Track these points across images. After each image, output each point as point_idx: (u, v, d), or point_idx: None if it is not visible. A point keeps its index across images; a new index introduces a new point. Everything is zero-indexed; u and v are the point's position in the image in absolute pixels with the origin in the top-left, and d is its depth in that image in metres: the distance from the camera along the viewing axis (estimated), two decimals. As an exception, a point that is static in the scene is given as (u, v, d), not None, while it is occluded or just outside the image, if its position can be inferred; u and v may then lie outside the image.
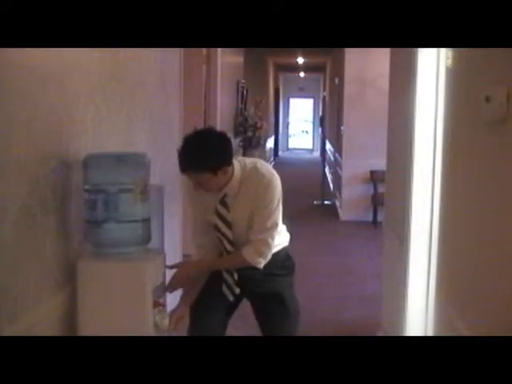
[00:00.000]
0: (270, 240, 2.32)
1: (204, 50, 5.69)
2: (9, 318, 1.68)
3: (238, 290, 2.43)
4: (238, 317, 2.57)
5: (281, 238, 2.45)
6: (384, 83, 4.29)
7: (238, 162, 2.33)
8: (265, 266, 2.34)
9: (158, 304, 2.15)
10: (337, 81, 9.70)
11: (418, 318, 2.90)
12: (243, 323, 2.41)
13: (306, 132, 22.74)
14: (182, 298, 2.45)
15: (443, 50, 2.58)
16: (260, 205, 2.30)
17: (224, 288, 2.44)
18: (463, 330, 2.09)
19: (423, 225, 2.86)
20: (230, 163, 2.26)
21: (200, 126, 5.88)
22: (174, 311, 2.36)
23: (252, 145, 7.48)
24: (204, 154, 2.21)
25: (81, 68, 2.22)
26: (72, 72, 2.14)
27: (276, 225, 2.35)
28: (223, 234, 2.39)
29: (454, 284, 2.39)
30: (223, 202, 2.35)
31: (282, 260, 2.47)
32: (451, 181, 2.45)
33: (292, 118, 22.40)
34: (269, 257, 2.34)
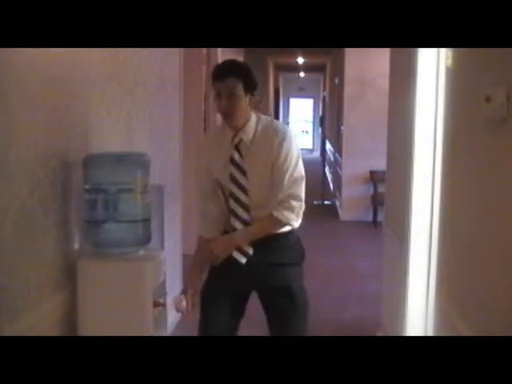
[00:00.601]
0: (299, 192, 2.27)
1: (204, 49, 5.69)
2: (9, 318, 1.68)
3: (251, 251, 2.30)
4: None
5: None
6: (384, 83, 4.29)
7: (254, 114, 2.34)
8: (274, 252, 2.30)
9: (158, 304, 2.15)
10: (337, 81, 9.70)
11: (418, 318, 2.90)
12: (244, 324, 2.40)
13: (306, 132, 22.74)
14: (194, 277, 2.38)
15: (443, 50, 2.58)
16: (279, 160, 2.25)
17: (235, 253, 2.30)
18: (463, 330, 2.09)
19: (423, 225, 2.86)
20: (254, 92, 2.31)
21: (200, 126, 5.90)
22: (184, 291, 2.31)
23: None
24: (243, 66, 2.34)
25: (81, 68, 2.22)
26: (72, 72, 2.14)
27: (302, 178, 2.29)
28: (238, 184, 2.29)
29: (453, 284, 2.39)
30: (238, 149, 2.30)
31: (292, 244, 2.38)
32: (451, 181, 2.45)
33: (292, 118, 22.39)
34: (301, 214, 2.27)
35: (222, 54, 6.04)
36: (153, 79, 3.39)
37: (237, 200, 2.28)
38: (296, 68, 16.41)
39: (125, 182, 2.12)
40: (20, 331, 1.70)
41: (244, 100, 2.25)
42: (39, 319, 1.86)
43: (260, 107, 8.62)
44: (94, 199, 2.10)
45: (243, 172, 2.28)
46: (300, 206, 2.26)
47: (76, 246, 2.19)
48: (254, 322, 2.49)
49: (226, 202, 2.33)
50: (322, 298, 3.07)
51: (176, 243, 4.03)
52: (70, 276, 2.09)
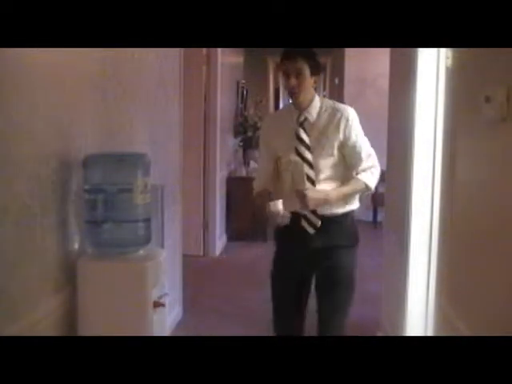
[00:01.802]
0: (376, 163, 2.53)
1: (204, 50, 5.69)
2: (9, 318, 1.68)
3: (319, 223, 2.48)
4: (238, 316, 2.57)
5: (352, 199, 2.55)
6: (384, 83, 4.28)
7: (318, 96, 2.54)
8: (331, 234, 2.48)
9: (158, 304, 2.15)
10: (337, 81, 9.70)
11: (418, 318, 2.90)
12: (245, 324, 2.40)
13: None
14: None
15: (443, 50, 2.58)
16: (350, 140, 2.46)
17: (303, 222, 2.49)
18: (463, 330, 2.09)
19: (423, 225, 2.86)
20: (319, 76, 2.52)
21: (200, 126, 5.89)
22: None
23: (252, 145, 7.47)
24: (310, 51, 2.48)
25: (81, 68, 2.22)
26: (72, 72, 2.14)
27: (372, 151, 2.52)
28: (303, 159, 2.45)
29: (454, 284, 2.39)
30: (303, 126, 2.49)
31: (349, 225, 2.56)
32: (451, 181, 2.44)
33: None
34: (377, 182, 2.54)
35: (221, 54, 6.04)
36: (153, 79, 3.39)
37: (304, 159, 2.44)
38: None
39: (125, 182, 2.12)
40: (20, 331, 1.70)
41: (309, 81, 2.45)
42: (39, 319, 1.86)
43: (260, 107, 8.61)
44: (94, 199, 2.10)
45: (308, 147, 2.46)
46: (378, 174, 2.54)
47: (76, 246, 2.19)
48: (255, 322, 2.49)
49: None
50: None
51: (176, 243, 4.03)
52: (69, 276, 2.09)
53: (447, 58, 2.48)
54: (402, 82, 3.22)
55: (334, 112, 2.48)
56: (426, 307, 2.82)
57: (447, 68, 2.51)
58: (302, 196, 2.38)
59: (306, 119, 2.49)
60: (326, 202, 2.43)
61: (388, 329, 3.52)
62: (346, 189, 2.49)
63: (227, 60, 6.66)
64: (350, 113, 2.49)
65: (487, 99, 1.85)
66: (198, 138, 5.85)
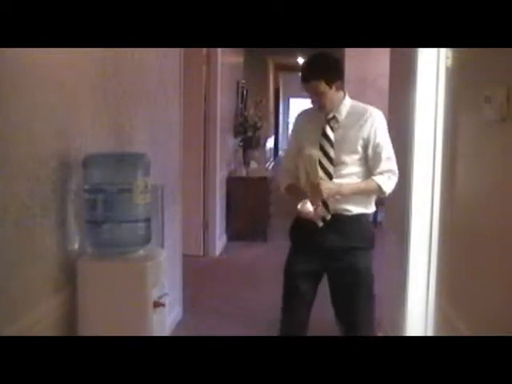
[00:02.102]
0: (395, 168, 2.56)
1: (204, 50, 5.69)
2: (9, 318, 1.68)
3: (328, 216, 2.55)
4: (238, 316, 2.57)
5: (365, 202, 2.60)
6: (384, 83, 4.28)
7: (349, 97, 2.67)
8: (346, 235, 2.55)
9: (158, 304, 2.15)
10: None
11: (418, 318, 2.90)
12: (247, 324, 2.41)
13: (306, 132, 22.69)
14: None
15: (443, 50, 2.58)
16: (375, 140, 2.54)
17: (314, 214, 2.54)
18: (463, 330, 2.09)
19: (423, 225, 2.86)
20: (341, 78, 2.63)
21: (200, 126, 5.89)
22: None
23: (252, 145, 7.46)
24: (323, 63, 2.58)
25: (81, 68, 2.22)
26: (72, 72, 2.14)
27: (394, 156, 2.58)
28: (326, 155, 2.54)
29: (454, 284, 2.39)
30: (329, 124, 2.59)
31: (362, 227, 2.61)
32: (451, 181, 2.44)
33: (292, 118, 22.38)
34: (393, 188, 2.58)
35: (221, 54, 6.04)
36: (153, 79, 3.39)
37: (323, 168, 2.52)
38: (296, 68, 16.40)
39: (125, 182, 2.12)
40: (20, 331, 1.70)
41: (330, 92, 2.55)
42: (39, 319, 1.86)
43: (260, 107, 8.60)
44: (94, 199, 2.10)
45: (331, 143, 2.56)
46: (395, 181, 2.57)
47: (76, 246, 2.19)
48: (255, 322, 2.49)
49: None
50: (322, 298, 3.08)
51: (176, 243, 4.03)
52: (70, 276, 2.09)
53: (447, 58, 2.48)
54: (402, 82, 3.22)
55: (363, 112, 2.59)
56: (426, 307, 2.82)
57: (447, 68, 2.51)
58: (315, 186, 2.45)
59: (334, 117, 2.59)
60: (338, 192, 2.49)
61: (388, 329, 3.52)
62: (359, 185, 2.55)
63: (227, 60, 6.66)
64: (378, 114, 2.60)
65: (487, 99, 1.85)
66: (198, 138, 5.85)
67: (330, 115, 2.60)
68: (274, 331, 2.71)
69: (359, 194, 2.55)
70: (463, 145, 2.28)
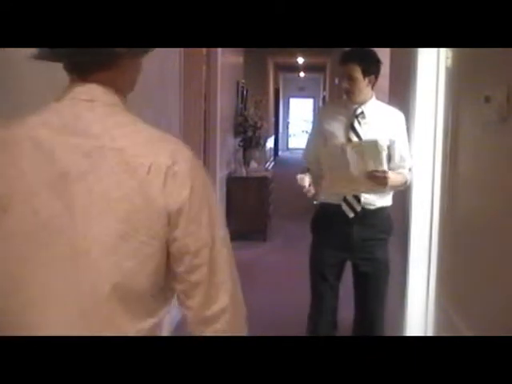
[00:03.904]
0: (407, 169, 2.78)
1: (204, 50, 5.69)
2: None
3: (359, 208, 2.68)
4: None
5: (387, 195, 2.76)
6: (384, 83, 4.28)
7: (377, 99, 2.77)
8: (374, 227, 2.72)
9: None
10: (337, 81, 9.69)
11: (418, 318, 2.90)
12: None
13: (306, 132, 22.73)
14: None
15: (443, 50, 2.58)
16: (402, 138, 2.71)
17: (344, 206, 2.70)
18: (463, 330, 2.09)
19: (423, 225, 2.86)
20: (376, 74, 2.69)
21: (200, 126, 5.89)
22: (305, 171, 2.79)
23: (252, 145, 7.47)
24: (365, 52, 2.67)
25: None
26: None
27: (408, 160, 2.79)
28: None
29: (454, 284, 2.39)
30: (357, 119, 2.68)
31: (384, 218, 2.78)
32: (451, 181, 2.45)
33: (292, 118, 22.39)
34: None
35: (221, 54, 6.04)
36: (153, 79, 3.39)
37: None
38: (296, 68, 16.42)
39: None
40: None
41: (362, 82, 2.64)
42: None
43: (260, 107, 8.61)
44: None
45: (360, 138, 2.66)
46: (408, 178, 2.80)
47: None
48: (255, 322, 2.49)
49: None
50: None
51: (176, 243, 4.02)
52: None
53: (447, 58, 2.49)
54: (402, 82, 3.22)
55: (389, 112, 2.74)
56: (426, 307, 2.82)
57: (447, 68, 2.51)
58: (381, 175, 2.58)
59: (362, 112, 2.68)
60: (403, 184, 2.73)
61: (388, 329, 3.52)
62: (397, 178, 2.71)
63: (227, 60, 6.66)
64: (402, 117, 2.74)
65: (487, 99, 1.85)
66: (198, 138, 5.85)
67: (359, 110, 2.67)
68: (274, 331, 2.71)
69: (393, 187, 2.72)
70: (463, 145, 2.28)
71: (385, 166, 2.61)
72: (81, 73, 1.21)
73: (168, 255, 1.12)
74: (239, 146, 7.50)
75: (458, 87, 2.38)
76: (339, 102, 2.83)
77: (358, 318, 2.92)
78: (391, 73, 3.83)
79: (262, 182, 6.89)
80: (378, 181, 2.60)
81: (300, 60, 13.74)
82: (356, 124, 2.68)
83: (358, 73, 2.60)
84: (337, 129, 2.72)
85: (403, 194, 3.05)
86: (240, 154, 7.50)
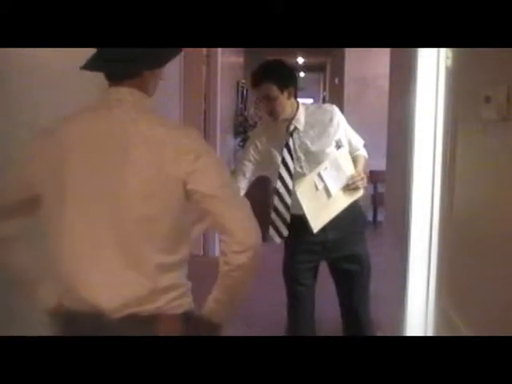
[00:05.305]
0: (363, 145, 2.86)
1: (204, 50, 5.69)
2: (8, 318, 1.68)
3: (285, 232, 2.67)
4: (237, 316, 2.57)
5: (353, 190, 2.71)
6: (384, 83, 4.28)
7: (303, 105, 2.68)
8: (342, 223, 2.63)
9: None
10: (337, 81, 9.70)
11: (418, 317, 2.90)
12: (244, 324, 2.41)
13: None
14: None
15: (443, 50, 2.58)
16: (342, 134, 2.67)
17: (271, 230, 2.69)
18: (463, 330, 2.09)
19: (423, 225, 2.86)
20: (294, 85, 2.57)
21: (200, 126, 5.89)
22: None
23: (252, 145, 7.47)
24: (274, 67, 2.55)
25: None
26: (72, 71, 2.14)
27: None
28: (287, 169, 2.61)
29: (454, 284, 2.39)
30: (292, 136, 2.59)
31: (357, 213, 2.75)
32: (451, 181, 2.44)
33: (292, 118, 22.32)
34: None
35: (221, 54, 6.04)
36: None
37: (284, 184, 2.63)
38: (296, 68, 16.41)
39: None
40: (20, 331, 1.70)
41: (283, 98, 2.53)
42: (39, 319, 1.86)
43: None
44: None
45: (292, 156, 2.59)
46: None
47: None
48: (255, 322, 2.49)
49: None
50: (321, 298, 3.09)
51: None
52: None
53: (447, 58, 2.48)
54: (402, 82, 3.22)
55: (321, 113, 2.66)
56: (426, 307, 2.82)
57: (447, 68, 2.51)
58: (359, 179, 2.62)
59: (295, 128, 2.58)
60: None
61: (388, 329, 3.52)
62: (361, 163, 2.81)
63: (227, 60, 6.66)
64: (334, 108, 2.69)
65: (487, 99, 1.85)
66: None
67: (291, 127, 2.58)
68: (273, 331, 2.71)
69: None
70: (463, 145, 2.28)
71: (353, 169, 2.60)
72: (114, 80, 1.60)
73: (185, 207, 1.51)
74: (239, 146, 7.51)
75: (458, 87, 2.37)
76: (269, 124, 2.69)
77: (346, 317, 2.88)
78: (391, 73, 3.83)
79: (261, 182, 6.88)
80: (357, 186, 2.59)
81: (300, 60, 13.73)
82: (290, 143, 2.58)
83: (274, 91, 2.48)
84: (270, 152, 2.64)
85: (403, 194, 3.04)
86: (240, 154, 7.50)
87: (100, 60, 1.57)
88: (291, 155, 2.56)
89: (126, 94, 1.57)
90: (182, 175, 1.46)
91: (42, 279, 1.62)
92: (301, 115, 2.60)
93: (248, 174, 2.65)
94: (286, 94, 2.51)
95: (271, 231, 2.60)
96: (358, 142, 2.86)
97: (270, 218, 2.65)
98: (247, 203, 1.57)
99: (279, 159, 2.57)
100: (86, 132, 1.52)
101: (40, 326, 1.84)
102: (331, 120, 2.61)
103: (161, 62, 1.70)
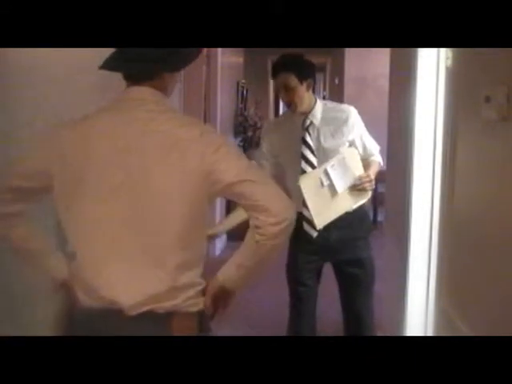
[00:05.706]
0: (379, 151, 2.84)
1: (204, 49, 5.69)
2: (9, 318, 1.68)
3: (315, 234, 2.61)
4: (237, 316, 2.57)
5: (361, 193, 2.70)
6: (384, 83, 4.29)
7: (321, 101, 2.66)
8: (347, 226, 2.63)
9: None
10: (337, 81, 9.69)
11: (418, 317, 2.90)
12: (245, 324, 2.41)
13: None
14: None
15: (443, 50, 2.58)
16: (357, 136, 2.67)
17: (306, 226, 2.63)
18: (463, 330, 2.09)
19: (423, 225, 2.86)
20: (313, 78, 2.57)
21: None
22: None
23: (252, 145, 7.47)
24: (294, 57, 2.56)
25: (81, 68, 2.22)
26: (72, 72, 2.14)
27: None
28: (308, 162, 2.56)
29: (454, 284, 2.39)
30: (308, 131, 2.57)
31: (362, 217, 2.73)
32: (451, 181, 2.44)
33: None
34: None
35: (221, 54, 6.04)
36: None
37: (308, 163, 2.57)
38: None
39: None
40: (20, 331, 1.70)
41: (301, 89, 2.51)
42: (39, 319, 1.86)
43: (260, 107, 8.61)
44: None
45: (312, 151, 2.57)
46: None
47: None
48: (255, 322, 2.49)
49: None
50: (321, 298, 3.10)
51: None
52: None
53: (447, 58, 2.48)
54: (402, 82, 3.22)
55: (339, 111, 2.65)
56: (426, 307, 2.82)
57: (447, 68, 2.51)
58: (367, 180, 2.60)
59: (311, 123, 2.56)
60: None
61: (388, 329, 3.52)
62: (374, 168, 2.78)
63: (227, 60, 6.66)
64: (353, 110, 2.69)
65: (487, 99, 1.85)
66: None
67: (307, 122, 2.56)
68: (273, 331, 2.71)
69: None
70: (463, 145, 2.28)
71: (362, 170, 2.59)
72: (133, 81, 1.60)
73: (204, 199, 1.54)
74: (239, 146, 7.51)
75: (458, 87, 2.38)
76: (282, 119, 2.69)
77: (348, 322, 2.86)
78: (391, 73, 3.83)
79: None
80: (364, 187, 2.57)
81: (300, 60, 13.71)
82: (307, 137, 2.57)
83: (293, 80, 2.48)
84: (289, 150, 2.61)
85: (403, 194, 3.05)
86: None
87: (120, 60, 1.58)
88: (311, 150, 2.57)
89: (147, 93, 1.58)
90: (206, 167, 1.48)
91: (51, 251, 1.68)
92: (318, 111, 2.58)
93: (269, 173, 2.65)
94: (305, 85, 2.52)
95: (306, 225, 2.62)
96: (374, 147, 2.85)
97: None
98: (272, 179, 1.65)
99: (296, 155, 2.56)
100: (108, 130, 1.53)
101: (40, 326, 1.85)
102: (347, 120, 2.62)
103: (182, 65, 1.73)
